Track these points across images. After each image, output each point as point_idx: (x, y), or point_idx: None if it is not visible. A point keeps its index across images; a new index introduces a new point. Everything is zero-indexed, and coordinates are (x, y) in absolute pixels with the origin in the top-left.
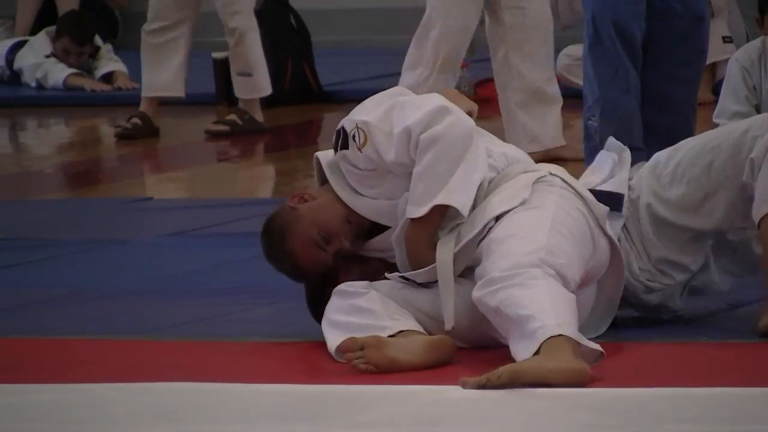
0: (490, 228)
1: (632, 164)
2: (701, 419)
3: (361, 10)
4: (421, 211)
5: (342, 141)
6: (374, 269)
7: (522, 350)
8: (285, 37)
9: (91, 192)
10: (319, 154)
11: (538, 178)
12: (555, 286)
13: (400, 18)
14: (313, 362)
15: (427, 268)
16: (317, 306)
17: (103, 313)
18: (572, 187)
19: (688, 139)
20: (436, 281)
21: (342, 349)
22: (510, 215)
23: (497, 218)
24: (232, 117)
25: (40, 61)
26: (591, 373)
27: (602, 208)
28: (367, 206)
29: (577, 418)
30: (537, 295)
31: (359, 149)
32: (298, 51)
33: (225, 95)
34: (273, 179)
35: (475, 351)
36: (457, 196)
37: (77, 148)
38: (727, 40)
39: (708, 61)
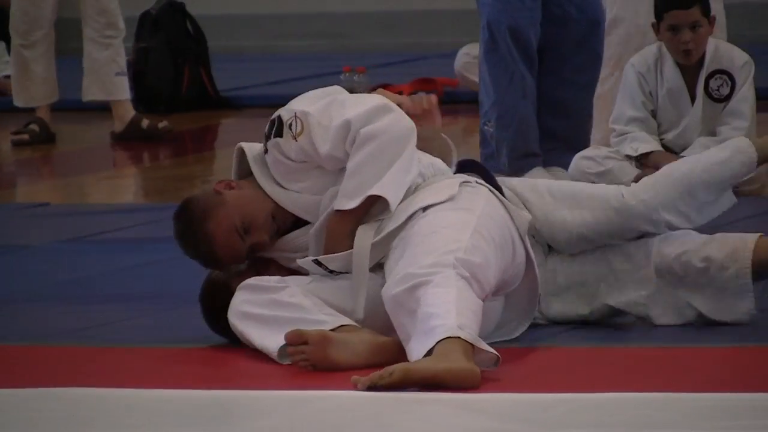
0: (413, 219)
1: (528, 169)
2: (601, 423)
3: (258, 16)
4: (352, 203)
5: (276, 129)
6: (271, 274)
7: (417, 347)
8: (182, 43)
9: None
10: (244, 144)
11: (465, 182)
12: (465, 289)
13: (296, 24)
14: (214, 367)
15: (342, 254)
16: (215, 310)
17: (0, 320)
18: (497, 196)
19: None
20: (347, 272)
21: (288, 339)
22: (436, 210)
23: (424, 209)
24: (33, 126)
25: None
26: (481, 377)
27: (524, 218)
28: (290, 200)
29: (478, 423)
30: (445, 295)
31: (295, 138)
32: (194, 57)
33: None
34: (170, 185)
35: None
36: (390, 190)
37: None
38: None
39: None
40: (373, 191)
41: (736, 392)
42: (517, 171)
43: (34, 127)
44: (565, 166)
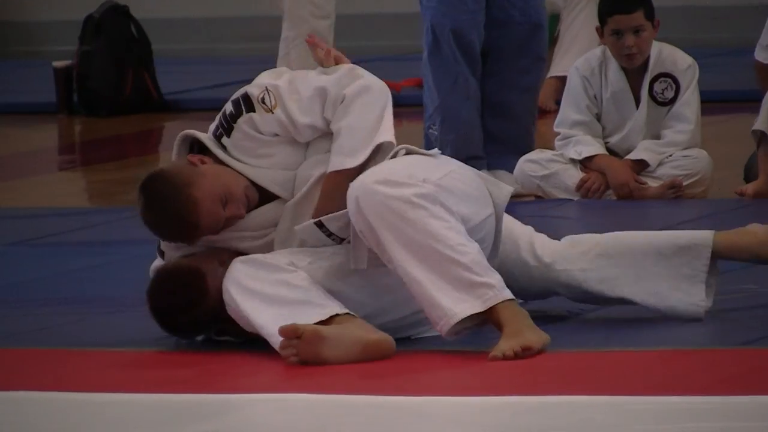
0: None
1: None
2: (544, 427)
3: (201, 19)
4: (356, 159)
5: (246, 105)
6: (223, 259)
7: (451, 298)
8: (125, 46)
9: None
10: (191, 131)
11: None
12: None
13: (240, 27)
14: (155, 371)
15: (342, 212)
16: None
17: None
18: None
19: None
20: (342, 238)
21: (282, 333)
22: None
23: (407, 152)
24: None
25: None
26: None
27: (505, 191)
28: (262, 175)
29: (415, 427)
30: (459, 236)
31: (270, 111)
32: (138, 60)
33: (66, 104)
34: (114, 188)
35: (410, 354)
36: (391, 135)
37: None
38: None
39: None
40: (378, 139)
41: (680, 395)
42: None
43: None
44: (510, 169)
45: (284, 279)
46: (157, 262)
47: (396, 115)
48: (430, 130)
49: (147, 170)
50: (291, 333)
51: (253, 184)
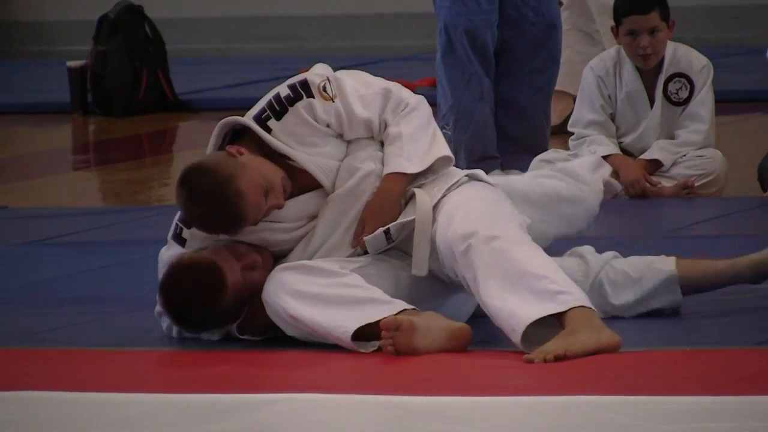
0: (458, 187)
1: (487, 172)
2: (558, 426)
3: (216, 19)
4: (418, 165)
5: (305, 91)
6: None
7: (527, 307)
8: (140, 46)
9: None
10: (231, 117)
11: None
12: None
13: (254, 27)
14: (170, 370)
15: (407, 220)
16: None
17: None
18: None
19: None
20: (391, 244)
21: (383, 326)
22: (475, 184)
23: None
24: None
25: None
26: None
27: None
28: (308, 160)
29: (433, 427)
30: (542, 256)
31: (331, 99)
32: (152, 60)
33: (80, 104)
34: (128, 188)
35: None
36: (448, 151)
37: None
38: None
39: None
40: (440, 152)
41: (696, 395)
42: None
43: None
44: (524, 169)
45: (340, 281)
46: (169, 251)
47: None
48: (444, 130)
49: (161, 170)
50: (392, 325)
51: (292, 173)
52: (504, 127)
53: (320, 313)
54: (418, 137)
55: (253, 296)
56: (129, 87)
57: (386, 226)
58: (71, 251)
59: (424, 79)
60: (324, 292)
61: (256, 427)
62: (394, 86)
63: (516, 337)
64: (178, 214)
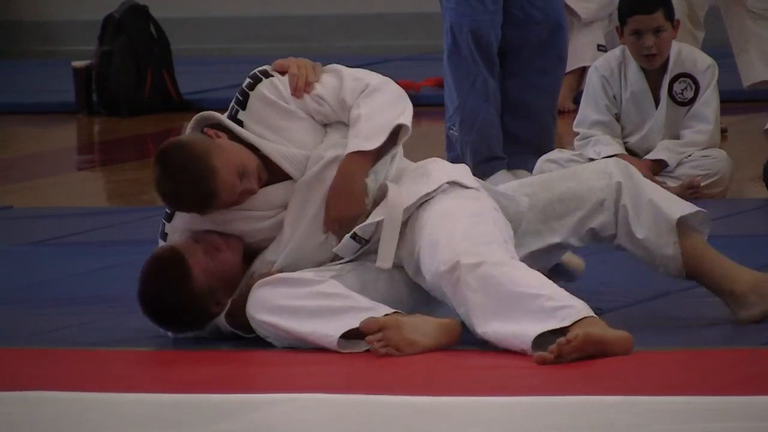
0: (438, 197)
1: (492, 173)
2: (561, 426)
3: (221, 19)
4: (374, 142)
5: (263, 75)
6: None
7: (532, 326)
8: (145, 46)
9: None
10: (205, 112)
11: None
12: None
13: (259, 27)
14: (174, 370)
15: (371, 222)
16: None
17: None
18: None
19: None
20: (365, 241)
21: (364, 327)
22: (458, 196)
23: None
24: None
25: None
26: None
27: (522, 205)
28: (275, 150)
29: (437, 428)
30: (534, 275)
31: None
32: (158, 60)
33: (85, 104)
34: (132, 188)
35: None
36: (409, 121)
37: None
38: (601, 48)
39: (577, 66)
40: (398, 121)
41: (700, 395)
42: (482, 174)
43: None
44: (530, 169)
45: (318, 290)
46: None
47: (416, 115)
48: (451, 131)
49: None
50: (374, 325)
51: (264, 163)
52: (510, 127)
53: (303, 325)
54: (378, 115)
55: (230, 281)
56: (134, 87)
57: (352, 230)
58: (76, 251)
59: (429, 79)
60: (303, 304)
61: (258, 428)
62: (348, 69)
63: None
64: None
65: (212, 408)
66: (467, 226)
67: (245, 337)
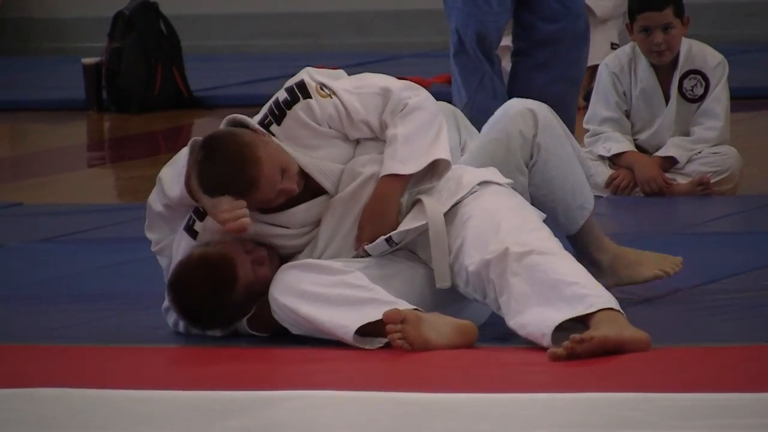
0: (476, 195)
1: None
2: (574, 423)
3: (231, 15)
4: (411, 167)
5: (302, 92)
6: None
7: (555, 313)
8: (155, 43)
9: None
10: (237, 115)
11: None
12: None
13: (269, 24)
14: (184, 368)
15: (410, 228)
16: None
17: None
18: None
19: None
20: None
21: (386, 317)
22: (494, 192)
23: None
24: None
25: None
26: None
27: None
28: (312, 164)
29: (450, 424)
30: (572, 264)
31: (329, 96)
32: (168, 57)
33: (95, 101)
34: (143, 185)
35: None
36: (448, 155)
37: None
38: (614, 46)
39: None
40: (437, 155)
41: (711, 392)
42: None
43: None
44: None
45: (343, 280)
46: (181, 243)
47: None
48: None
49: None
50: (396, 317)
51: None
52: None
53: (323, 313)
54: (415, 138)
55: (263, 292)
56: (144, 84)
57: (388, 234)
58: (86, 248)
59: (439, 75)
60: (326, 291)
61: (269, 424)
62: (397, 85)
63: (546, 341)
64: (194, 206)
65: (223, 405)
66: (512, 217)
67: (260, 336)
